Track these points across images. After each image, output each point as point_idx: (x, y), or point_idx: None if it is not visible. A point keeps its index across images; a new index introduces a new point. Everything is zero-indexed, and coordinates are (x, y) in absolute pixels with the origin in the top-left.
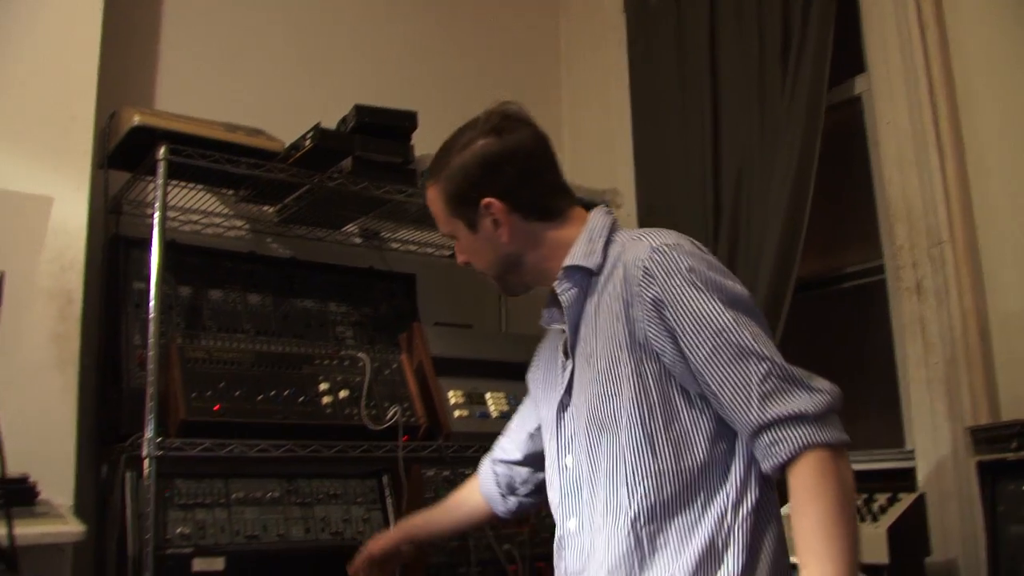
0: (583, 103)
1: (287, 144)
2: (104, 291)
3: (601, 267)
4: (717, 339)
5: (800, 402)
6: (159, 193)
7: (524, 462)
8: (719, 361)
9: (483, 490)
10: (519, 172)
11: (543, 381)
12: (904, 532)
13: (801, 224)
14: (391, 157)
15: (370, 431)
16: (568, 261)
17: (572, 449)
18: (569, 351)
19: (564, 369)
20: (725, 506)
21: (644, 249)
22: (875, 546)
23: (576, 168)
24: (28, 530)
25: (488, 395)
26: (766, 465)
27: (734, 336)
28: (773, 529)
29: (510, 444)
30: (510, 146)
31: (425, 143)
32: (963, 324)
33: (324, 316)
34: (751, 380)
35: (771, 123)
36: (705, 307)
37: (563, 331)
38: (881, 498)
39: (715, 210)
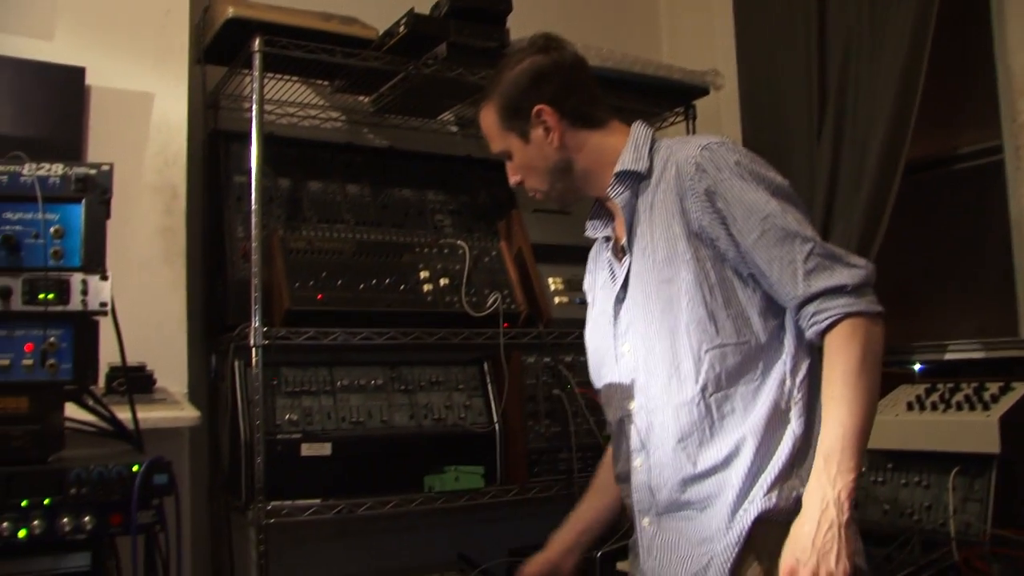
0: None
1: (381, 32)
2: (206, 185)
3: (650, 170)
4: (764, 223)
5: (840, 276)
6: (256, 86)
7: None
8: (767, 243)
9: None
10: (565, 82)
11: (600, 289)
12: (1017, 422)
13: (912, 102)
14: (486, 42)
15: (471, 318)
16: (619, 167)
17: (628, 337)
18: (627, 247)
19: (618, 266)
20: (784, 372)
21: (694, 148)
22: (986, 435)
23: (674, 48)
24: (149, 414)
25: None
26: (810, 332)
27: (779, 220)
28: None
29: None
30: (555, 60)
31: (520, 26)
32: None
33: (422, 205)
34: (796, 258)
35: None
36: (752, 196)
37: (607, 238)
38: (993, 387)
39: (820, 87)
